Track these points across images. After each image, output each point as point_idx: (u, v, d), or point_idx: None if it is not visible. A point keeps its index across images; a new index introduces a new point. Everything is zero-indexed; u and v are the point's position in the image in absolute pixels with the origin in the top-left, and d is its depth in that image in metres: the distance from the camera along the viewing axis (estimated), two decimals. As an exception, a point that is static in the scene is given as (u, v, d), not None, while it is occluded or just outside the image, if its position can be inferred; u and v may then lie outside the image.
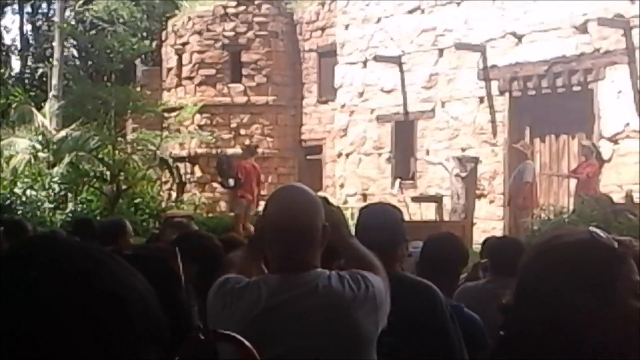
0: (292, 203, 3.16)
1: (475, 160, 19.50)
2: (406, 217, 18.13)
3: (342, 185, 24.27)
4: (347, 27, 24.36)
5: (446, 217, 19.09)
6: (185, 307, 1.94)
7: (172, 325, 1.79)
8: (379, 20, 23.24)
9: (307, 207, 3.15)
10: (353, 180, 23.82)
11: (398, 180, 22.18)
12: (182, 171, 27.60)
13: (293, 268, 3.08)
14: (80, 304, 1.05)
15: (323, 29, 26.88)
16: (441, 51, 21.62)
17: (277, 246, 3.14)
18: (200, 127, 27.26)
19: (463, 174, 19.01)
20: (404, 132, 22.58)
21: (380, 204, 5.13)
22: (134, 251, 2.11)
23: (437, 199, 19.76)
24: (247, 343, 1.81)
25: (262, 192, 19.87)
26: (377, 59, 22.81)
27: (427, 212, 19.83)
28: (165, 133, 26.87)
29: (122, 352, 1.07)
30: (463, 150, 20.62)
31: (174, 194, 27.10)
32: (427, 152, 21.88)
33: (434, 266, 5.05)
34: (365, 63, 23.55)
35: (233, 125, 27.37)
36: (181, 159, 27.68)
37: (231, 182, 19.78)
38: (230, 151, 26.96)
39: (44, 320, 1.03)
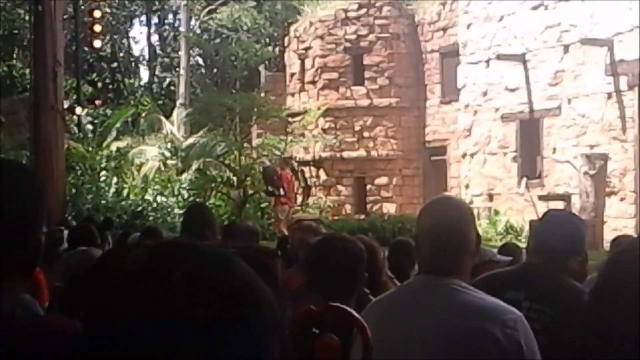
0: (447, 211, 3.25)
1: (605, 157, 19.05)
2: (533, 217, 17.83)
3: (467, 186, 24.06)
4: (469, 26, 24.14)
5: (575, 216, 18.67)
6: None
7: None
8: (501, 18, 22.96)
9: (462, 215, 3.25)
10: (478, 180, 23.59)
11: (524, 180, 21.87)
12: (307, 175, 27.83)
13: (443, 273, 3.13)
14: (224, 300, 1.13)
15: (445, 29, 26.68)
16: (566, 47, 21.21)
17: (430, 252, 3.21)
18: (324, 130, 27.42)
19: (592, 172, 18.61)
20: (530, 130, 22.24)
21: (565, 211, 5.06)
22: (237, 250, 2.14)
23: (566, 198, 19.38)
24: (354, 313, 1.84)
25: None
26: (500, 57, 22.54)
27: (555, 211, 19.44)
28: (290, 137, 27.17)
29: (259, 341, 1.16)
30: (591, 147, 20.17)
31: (299, 198, 27.33)
32: (554, 151, 21.49)
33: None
34: (488, 62, 23.29)
35: (356, 128, 27.43)
36: (306, 163, 27.91)
37: (282, 191, 21.01)
38: (354, 154, 27.08)
39: (202, 309, 1.11)
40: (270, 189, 21.38)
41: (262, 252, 2.00)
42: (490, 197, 23.16)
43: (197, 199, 23.29)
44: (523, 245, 5.58)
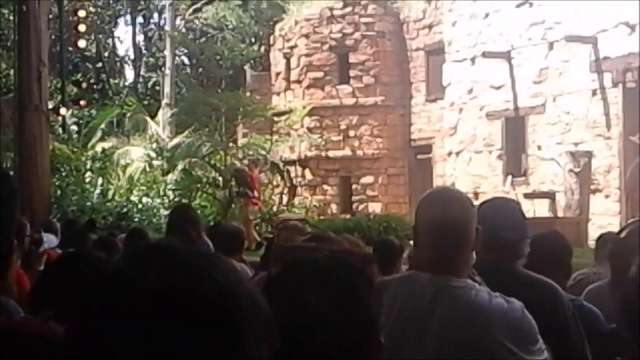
0: (447, 204, 3.14)
1: (589, 155, 19.10)
2: (519, 215, 17.87)
3: (452, 184, 24.06)
4: (454, 24, 24.17)
5: (560, 214, 18.73)
6: (373, 317, 1.94)
7: (357, 333, 1.80)
8: (486, 15, 22.99)
9: (463, 208, 3.15)
10: (464, 178, 23.60)
11: (510, 177, 21.90)
12: (292, 174, 27.80)
13: (444, 269, 3.05)
14: (196, 305, 1.10)
15: (430, 27, 26.70)
16: (551, 44, 21.25)
17: (429, 247, 3.13)
18: (309, 129, 27.39)
19: (576, 169, 18.66)
20: (515, 128, 22.28)
21: (500, 199, 4.93)
22: (331, 254, 2.11)
23: (551, 195, 19.43)
24: None
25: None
26: (485, 55, 22.57)
27: (540, 208, 19.50)
28: (275, 137, 27.15)
29: (235, 345, 1.11)
30: (576, 144, 20.21)
31: (285, 198, 27.31)
32: (539, 148, 21.53)
33: (538, 264, 4.89)
34: (473, 60, 23.32)
35: (342, 127, 27.42)
36: (291, 163, 27.88)
37: (255, 192, 21.13)
38: (340, 153, 27.07)
39: (174, 308, 1.09)
40: (242, 190, 21.43)
41: (358, 257, 1.97)
42: (476, 195, 23.13)
43: (183, 200, 23.25)
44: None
